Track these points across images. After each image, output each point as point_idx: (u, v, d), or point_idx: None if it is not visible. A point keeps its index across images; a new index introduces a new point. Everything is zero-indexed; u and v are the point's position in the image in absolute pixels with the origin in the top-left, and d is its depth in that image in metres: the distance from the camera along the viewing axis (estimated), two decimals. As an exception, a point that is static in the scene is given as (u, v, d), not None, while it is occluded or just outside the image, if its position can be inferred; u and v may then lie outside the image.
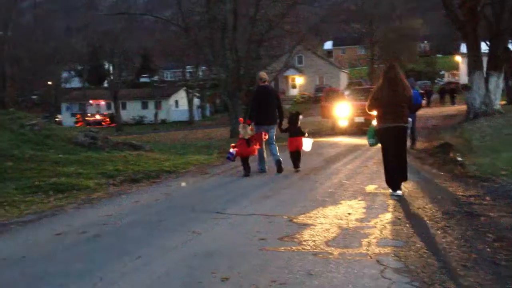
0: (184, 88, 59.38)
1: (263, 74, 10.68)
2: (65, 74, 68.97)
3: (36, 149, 12.32)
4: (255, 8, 25.39)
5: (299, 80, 64.88)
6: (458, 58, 56.22)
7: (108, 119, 59.35)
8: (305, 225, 5.72)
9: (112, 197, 8.09)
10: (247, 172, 9.77)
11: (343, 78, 66.26)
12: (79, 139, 13.54)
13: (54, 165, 10.96)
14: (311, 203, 6.92)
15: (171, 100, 62.62)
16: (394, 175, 7.34)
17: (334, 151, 13.73)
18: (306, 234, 5.33)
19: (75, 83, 70.17)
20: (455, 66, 63.27)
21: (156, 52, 58.75)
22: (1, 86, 47.00)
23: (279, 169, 9.85)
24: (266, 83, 10.54)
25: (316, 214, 6.26)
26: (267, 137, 10.09)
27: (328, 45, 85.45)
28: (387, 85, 7.39)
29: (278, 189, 8.23)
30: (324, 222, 5.83)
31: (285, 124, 10.59)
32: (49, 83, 62.03)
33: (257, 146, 9.93)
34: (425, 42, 76.44)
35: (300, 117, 10.53)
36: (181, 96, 61.56)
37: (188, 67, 61.40)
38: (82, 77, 65.90)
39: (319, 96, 37.82)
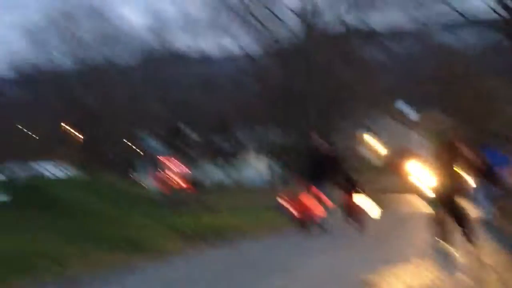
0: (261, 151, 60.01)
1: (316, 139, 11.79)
2: (143, 136, 71.73)
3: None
4: (326, 74, 25.74)
5: (374, 142, 63.88)
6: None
7: (190, 185, 60.36)
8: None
9: (183, 255, 8.29)
10: (308, 229, 10.38)
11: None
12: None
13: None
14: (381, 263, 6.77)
15: (248, 162, 63.41)
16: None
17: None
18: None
19: (153, 144, 72.49)
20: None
21: (231, 116, 60.25)
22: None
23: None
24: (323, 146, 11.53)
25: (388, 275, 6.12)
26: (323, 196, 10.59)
27: (403, 106, 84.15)
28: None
29: (349, 247, 8.15)
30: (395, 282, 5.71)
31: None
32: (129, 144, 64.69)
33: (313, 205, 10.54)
34: None
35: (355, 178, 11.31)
36: (257, 158, 62.18)
37: (262, 130, 62.32)
38: (159, 139, 68.12)
39: (396, 161, 36.97)
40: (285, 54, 26.50)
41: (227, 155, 62.10)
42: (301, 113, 26.07)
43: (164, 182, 56.15)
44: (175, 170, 65.86)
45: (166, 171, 64.28)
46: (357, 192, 10.78)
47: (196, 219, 12.71)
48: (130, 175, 59.68)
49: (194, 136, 59.54)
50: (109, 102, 56.52)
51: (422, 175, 18.54)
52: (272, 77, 29.98)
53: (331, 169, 10.84)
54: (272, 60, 29.09)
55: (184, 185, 60.09)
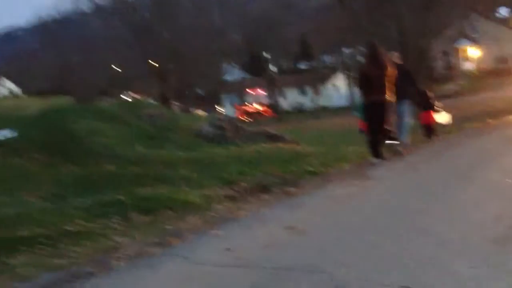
0: (344, 71, 55.97)
1: (395, 56, 11.14)
2: (225, 66, 69.41)
3: (150, 146, 9.85)
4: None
5: (473, 51, 56.69)
6: None
7: (268, 109, 57.44)
8: None
9: (212, 226, 4.86)
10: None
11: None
12: (203, 130, 10.86)
13: (162, 168, 8.37)
14: None
15: (330, 85, 59.61)
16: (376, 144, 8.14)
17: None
18: None
19: (236, 75, 70.30)
20: None
21: (313, 37, 56.52)
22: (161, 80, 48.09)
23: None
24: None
25: None
26: None
27: (504, 11, 74.86)
28: (371, 63, 8.23)
29: None
30: None
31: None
32: (210, 76, 62.61)
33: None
34: None
35: (429, 94, 11.90)
36: (339, 80, 58.28)
37: (346, 50, 57.78)
38: (241, 68, 65.72)
39: (502, 68, 31.82)
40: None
41: (309, 80, 58.43)
42: (391, 21, 22.08)
43: (244, 110, 53.68)
44: (257, 99, 62.92)
45: (248, 100, 61.48)
46: (431, 107, 11.39)
47: (253, 156, 9.53)
48: (216, 108, 57.88)
49: (276, 62, 56.38)
50: (186, 33, 54.19)
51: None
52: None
53: (406, 85, 10.18)
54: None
55: (264, 111, 57.31)
